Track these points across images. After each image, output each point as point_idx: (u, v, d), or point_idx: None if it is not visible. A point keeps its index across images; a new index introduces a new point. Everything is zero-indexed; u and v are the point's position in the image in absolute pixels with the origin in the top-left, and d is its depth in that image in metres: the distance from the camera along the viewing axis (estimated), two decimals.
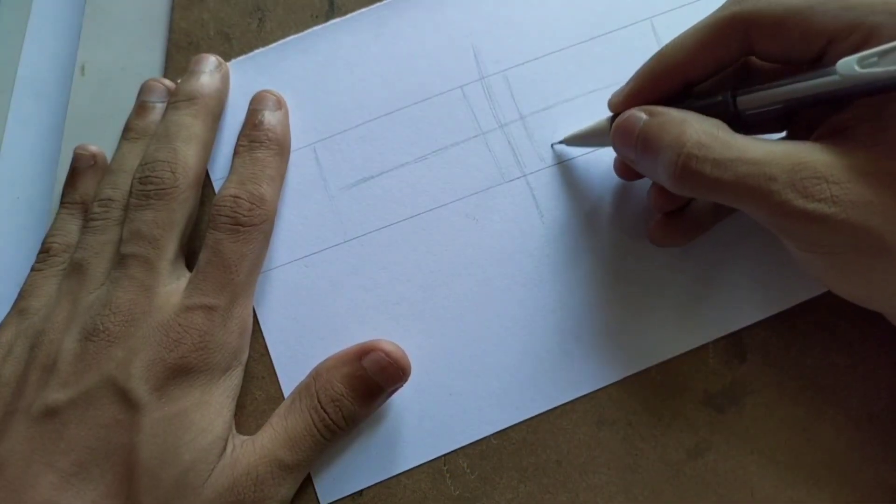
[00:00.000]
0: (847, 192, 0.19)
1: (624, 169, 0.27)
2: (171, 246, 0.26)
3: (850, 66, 0.19)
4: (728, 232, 0.27)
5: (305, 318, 0.27)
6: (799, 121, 0.24)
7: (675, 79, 0.23)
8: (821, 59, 0.21)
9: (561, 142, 0.28)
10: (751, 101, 0.22)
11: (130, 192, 0.26)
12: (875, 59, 0.19)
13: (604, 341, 0.27)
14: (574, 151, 0.28)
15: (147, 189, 0.26)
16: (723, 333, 0.26)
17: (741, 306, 0.27)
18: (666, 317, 0.27)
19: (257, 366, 0.27)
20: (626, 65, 0.28)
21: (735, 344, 0.27)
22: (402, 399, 0.26)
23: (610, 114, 0.25)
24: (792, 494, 0.25)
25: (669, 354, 0.26)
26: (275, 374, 0.27)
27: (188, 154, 0.27)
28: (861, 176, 0.19)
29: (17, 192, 0.32)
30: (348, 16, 0.30)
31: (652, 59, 0.24)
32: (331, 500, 0.26)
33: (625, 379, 0.26)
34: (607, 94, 0.26)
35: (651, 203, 0.26)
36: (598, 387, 0.26)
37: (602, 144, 0.26)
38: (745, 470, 0.25)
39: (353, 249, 0.28)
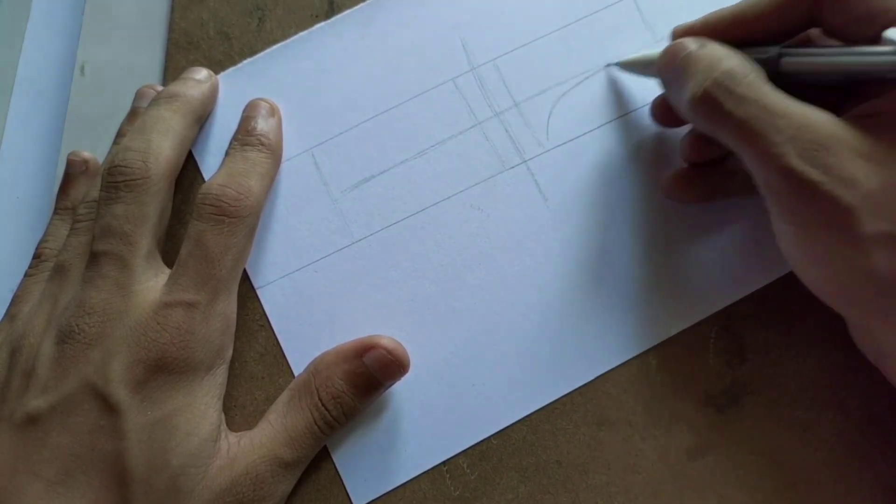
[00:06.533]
0: (841, 167, 0.19)
1: (662, 111, 0.27)
2: (144, 241, 0.24)
3: None
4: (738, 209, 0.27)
5: (321, 323, 0.27)
6: (849, 108, 0.24)
7: (740, 33, 0.23)
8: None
9: (616, 63, 0.28)
10: (795, 63, 0.22)
11: (101, 185, 0.25)
12: None
13: (618, 317, 0.27)
14: (571, 133, 0.29)
15: (116, 180, 0.25)
16: (735, 299, 0.27)
17: (750, 274, 0.27)
18: (678, 285, 0.27)
19: (257, 366, 0.27)
20: (613, 44, 0.29)
21: (735, 344, 0.27)
22: (427, 395, 0.27)
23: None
24: (792, 494, 0.25)
25: (683, 326, 0.27)
26: (275, 375, 0.27)
27: (162, 145, 0.25)
28: (861, 157, 0.19)
29: (17, 192, 0.32)
30: (332, 19, 0.30)
31: (725, 9, 0.24)
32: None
33: (625, 379, 0.26)
34: (599, 74, 0.26)
35: (682, 150, 0.26)
36: (619, 363, 0.26)
37: (652, 74, 0.26)
38: (745, 470, 0.25)
39: (361, 250, 0.28)
